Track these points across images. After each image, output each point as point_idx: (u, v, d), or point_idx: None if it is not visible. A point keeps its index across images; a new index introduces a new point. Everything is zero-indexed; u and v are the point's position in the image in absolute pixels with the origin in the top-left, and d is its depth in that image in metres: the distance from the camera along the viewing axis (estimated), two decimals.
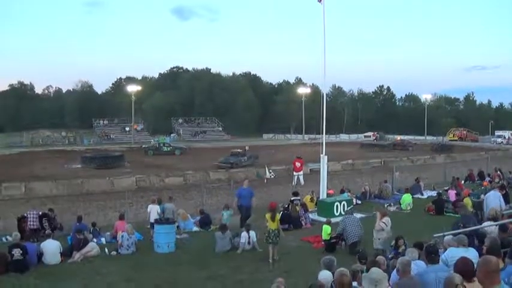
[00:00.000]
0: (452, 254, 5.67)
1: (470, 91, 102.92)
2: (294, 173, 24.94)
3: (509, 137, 62.76)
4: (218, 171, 28.99)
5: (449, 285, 3.83)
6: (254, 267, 10.24)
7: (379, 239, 9.71)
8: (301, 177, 24.68)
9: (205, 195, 18.26)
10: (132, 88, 68.45)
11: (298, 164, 25.07)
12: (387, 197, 19.09)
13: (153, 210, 14.01)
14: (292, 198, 15.56)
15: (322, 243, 11.70)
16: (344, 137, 78.71)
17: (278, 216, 11.33)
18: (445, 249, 6.45)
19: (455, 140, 66.15)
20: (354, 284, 5.29)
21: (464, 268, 4.13)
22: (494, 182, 19.96)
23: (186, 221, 14.58)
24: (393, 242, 9.78)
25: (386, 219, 9.99)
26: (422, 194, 19.68)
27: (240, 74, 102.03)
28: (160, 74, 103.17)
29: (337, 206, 15.27)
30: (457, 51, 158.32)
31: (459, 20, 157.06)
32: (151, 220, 13.60)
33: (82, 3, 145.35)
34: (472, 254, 5.45)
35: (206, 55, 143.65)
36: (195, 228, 14.61)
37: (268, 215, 10.89)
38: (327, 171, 17.82)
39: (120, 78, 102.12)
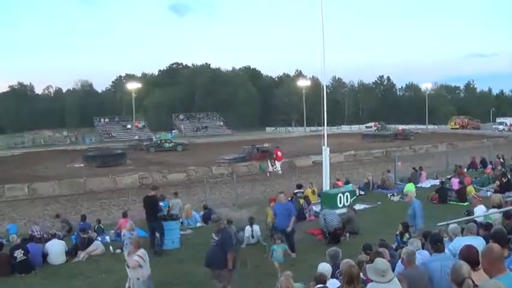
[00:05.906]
0: (460, 244, 5.57)
1: (471, 79, 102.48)
2: (277, 162, 26.90)
3: (510, 124, 62.54)
4: (220, 166, 28.95)
5: (456, 274, 3.79)
6: (259, 261, 10.25)
7: (138, 278, 7.28)
8: (278, 166, 26.83)
9: (208, 190, 18.26)
10: (132, 85, 68.35)
11: (279, 154, 27.28)
12: (390, 187, 19.06)
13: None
14: (295, 191, 15.57)
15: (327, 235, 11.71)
16: (345, 128, 78.55)
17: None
18: (450, 238, 6.41)
19: (457, 128, 65.98)
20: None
21: (469, 256, 4.10)
22: (497, 169, 19.93)
23: (190, 218, 14.58)
24: (398, 231, 9.79)
25: (142, 251, 7.56)
26: (422, 183, 19.56)
27: (240, 68, 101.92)
28: (160, 70, 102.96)
29: (340, 197, 15.18)
30: (456, 39, 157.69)
31: (457, 8, 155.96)
32: None
33: (79, 1, 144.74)
34: (479, 242, 5.39)
35: (205, 50, 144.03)
36: (199, 224, 14.62)
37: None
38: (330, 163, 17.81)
39: (120, 76, 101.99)
